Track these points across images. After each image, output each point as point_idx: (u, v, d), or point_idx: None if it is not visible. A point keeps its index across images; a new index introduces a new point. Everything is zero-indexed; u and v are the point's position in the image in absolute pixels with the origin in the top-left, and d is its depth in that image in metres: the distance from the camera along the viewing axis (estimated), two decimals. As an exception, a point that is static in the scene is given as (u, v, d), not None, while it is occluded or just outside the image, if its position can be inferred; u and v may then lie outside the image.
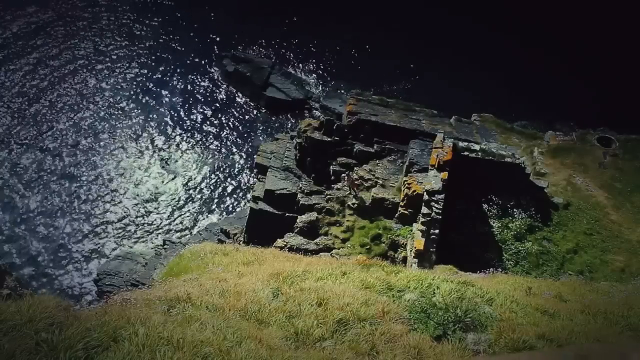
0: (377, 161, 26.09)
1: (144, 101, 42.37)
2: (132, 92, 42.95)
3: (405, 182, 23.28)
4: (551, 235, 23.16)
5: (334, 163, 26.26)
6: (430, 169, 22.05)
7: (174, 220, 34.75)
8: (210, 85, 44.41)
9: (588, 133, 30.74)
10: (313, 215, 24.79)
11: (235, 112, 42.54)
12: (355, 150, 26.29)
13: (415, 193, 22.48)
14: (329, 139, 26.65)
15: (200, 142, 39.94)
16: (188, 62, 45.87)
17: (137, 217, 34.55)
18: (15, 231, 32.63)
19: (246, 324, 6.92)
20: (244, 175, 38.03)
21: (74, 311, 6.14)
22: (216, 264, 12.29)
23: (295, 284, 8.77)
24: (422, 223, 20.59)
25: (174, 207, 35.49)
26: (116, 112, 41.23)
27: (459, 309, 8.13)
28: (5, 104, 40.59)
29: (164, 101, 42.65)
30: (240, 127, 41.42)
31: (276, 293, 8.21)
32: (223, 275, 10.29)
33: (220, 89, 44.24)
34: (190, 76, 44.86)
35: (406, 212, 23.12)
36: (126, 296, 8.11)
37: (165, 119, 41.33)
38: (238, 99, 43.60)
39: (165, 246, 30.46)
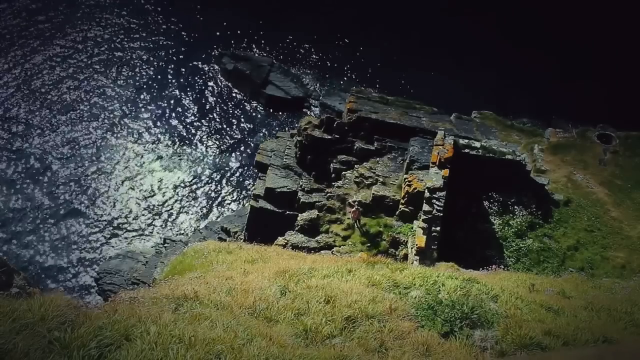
0: (378, 159, 26.12)
1: (142, 100, 42.28)
2: (130, 91, 42.84)
3: (406, 180, 23.31)
4: (552, 232, 23.22)
5: (334, 161, 26.29)
6: (432, 167, 22.08)
7: (174, 219, 34.74)
8: (210, 84, 44.33)
9: (588, 130, 30.78)
10: (314, 213, 24.82)
11: (235, 110, 42.50)
12: (355, 148, 26.32)
13: (416, 190, 22.52)
14: (329, 137, 26.69)
15: (200, 141, 39.90)
16: (187, 60, 45.74)
17: (137, 215, 34.53)
18: (16, 230, 32.59)
19: (255, 321, 6.95)
20: (245, 173, 38.02)
21: (84, 309, 6.14)
22: (220, 262, 12.32)
23: (302, 282, 8.79)
24: (423, 220, 20.62)
25: (175, 206, 35.47)
26: (115, 111, 41.14)
27: (465, 305, 8.17)
28: (4, 104, 40.48)
29: (163, 100, 42.55)
30: (240, 125, 41.38)
31: (283, 291, 8.24)
32: (228, 273, 10.31)
33: (220, 87, 44.17)
34: (189, 74, 44.76)
35: (407, 209, 23.16)
36: (133, 295, 8.12)
37: (164, 117, 41.26)
38: (238, 97, 43.56)
39: (166, 244, 30.44)
